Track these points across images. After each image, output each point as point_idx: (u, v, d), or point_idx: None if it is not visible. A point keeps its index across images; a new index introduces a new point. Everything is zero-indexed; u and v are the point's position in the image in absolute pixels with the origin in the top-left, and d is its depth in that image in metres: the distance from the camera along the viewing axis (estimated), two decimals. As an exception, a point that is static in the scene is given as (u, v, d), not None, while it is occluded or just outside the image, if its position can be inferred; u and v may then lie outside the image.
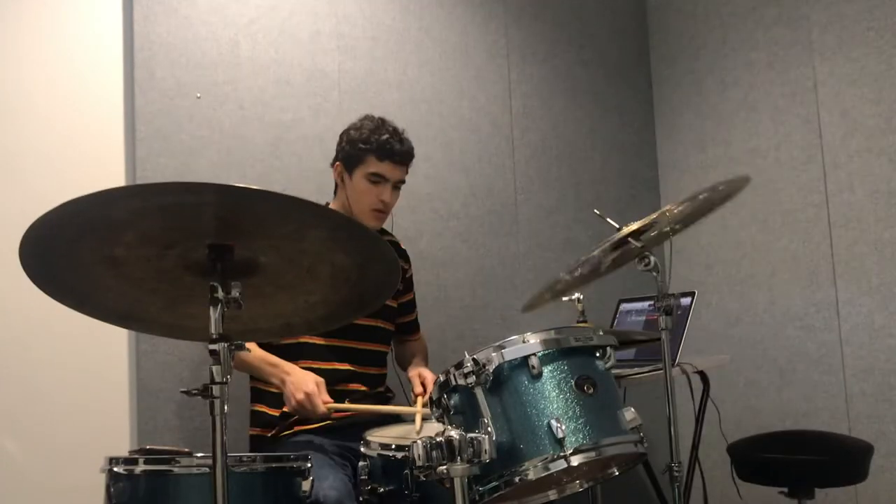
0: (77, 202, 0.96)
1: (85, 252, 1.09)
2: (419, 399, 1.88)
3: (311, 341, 1.93)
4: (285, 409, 1.82)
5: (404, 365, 2.21)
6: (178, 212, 1.05)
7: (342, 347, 1.96)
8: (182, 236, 1.11)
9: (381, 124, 2.00)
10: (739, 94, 3.00)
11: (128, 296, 1.21)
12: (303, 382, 1.74)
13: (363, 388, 1.98)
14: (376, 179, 1.96)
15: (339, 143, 2.03)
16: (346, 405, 1.84)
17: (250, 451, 1.94)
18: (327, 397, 1.73)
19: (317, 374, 1.82)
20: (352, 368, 1.96)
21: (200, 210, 1.05)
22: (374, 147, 1.95)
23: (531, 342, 1.32)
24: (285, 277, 1.22)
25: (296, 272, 1.21)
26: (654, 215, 1.65)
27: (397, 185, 2.01)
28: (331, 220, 1.16)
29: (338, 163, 2.02)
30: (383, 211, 2.00)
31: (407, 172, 2.04)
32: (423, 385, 1.94)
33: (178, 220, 1.07)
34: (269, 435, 1.90)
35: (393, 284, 1.30)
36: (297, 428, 1.86)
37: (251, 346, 1.86)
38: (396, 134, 1.99)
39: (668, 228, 1.71)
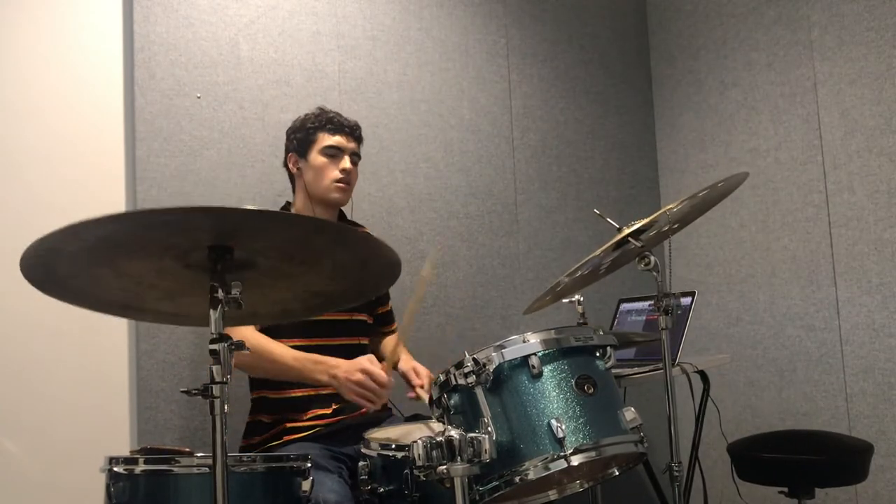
0: (76, 227, 0.96)
1: (84, 258, 1.09)
2: (420, 391, 1.86)
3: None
4: (270, 418, 1.85)
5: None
6: (178, 225, 1.06)
7: (319, 346, 1.92)
8: (182, 240, 1.11)
9: (322, 110, 2.03)
10: (739, 94, 3.00)
11: (127, 290, 1.21)
12: (355, 365, 1.71)
13: None
14: (333, 152, 1.97)
15: (287, 139, 2.06)
16: (394, 349, 1.84)
17: None
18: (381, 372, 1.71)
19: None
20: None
21: (200, 224, 1.07)
22: (323, 123, 1.99)
23: (531, 342, 1.32)
24: (285, 270, 1.22)
25: (296, 266, 1.21)
26: (654, 215, 1.65)
27: (353, 161, 2.01)
28: (332, 230, 1.17)
29: (290, 154, 2.04)
30: (347, 182, 1.98)
31: (359, 149, 2.05)
32: (419, 376, 1.92)
33: (178, 230, 1.08)
34: (255, 442, 1.89)
35: (394, 276, 1.29)
36: (286, 438, 1.84)
37: (272, 346, 1.84)
38: (340, 114, 2.03)
39: (668, 227, 1.71)
